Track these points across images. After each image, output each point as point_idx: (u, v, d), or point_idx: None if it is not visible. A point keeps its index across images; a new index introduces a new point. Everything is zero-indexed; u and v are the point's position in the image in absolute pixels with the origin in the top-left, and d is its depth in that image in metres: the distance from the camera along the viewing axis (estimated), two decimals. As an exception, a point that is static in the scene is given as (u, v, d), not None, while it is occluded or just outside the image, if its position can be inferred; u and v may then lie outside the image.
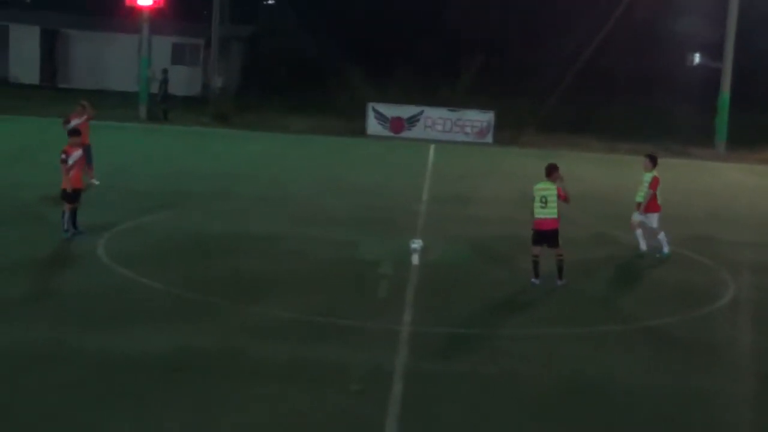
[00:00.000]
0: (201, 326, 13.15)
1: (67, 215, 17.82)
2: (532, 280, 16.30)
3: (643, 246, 19.08)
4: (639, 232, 19.19)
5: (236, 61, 54.20)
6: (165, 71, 43.90)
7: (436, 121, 41.43)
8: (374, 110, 41.53)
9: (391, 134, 40.98)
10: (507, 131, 41.41)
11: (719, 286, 17.14)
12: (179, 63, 50.83)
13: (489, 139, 40.78)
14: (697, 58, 63.94)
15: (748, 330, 14.82)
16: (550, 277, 16.30)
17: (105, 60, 51.17)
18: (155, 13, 42.88)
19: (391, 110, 41.69)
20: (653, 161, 19.23)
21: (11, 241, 17.72)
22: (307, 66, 50.58)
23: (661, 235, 19.03)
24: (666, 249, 18.96)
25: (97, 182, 22.98)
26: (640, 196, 19.17)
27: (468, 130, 41.34)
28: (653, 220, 19.13)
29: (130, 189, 23.45)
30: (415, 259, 17.66)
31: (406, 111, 41.64)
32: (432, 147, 37.30)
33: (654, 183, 18.98)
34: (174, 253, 17.45)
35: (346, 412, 10.47)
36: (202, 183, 25.42)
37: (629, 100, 48.08)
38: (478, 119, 41.40)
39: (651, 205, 19.01)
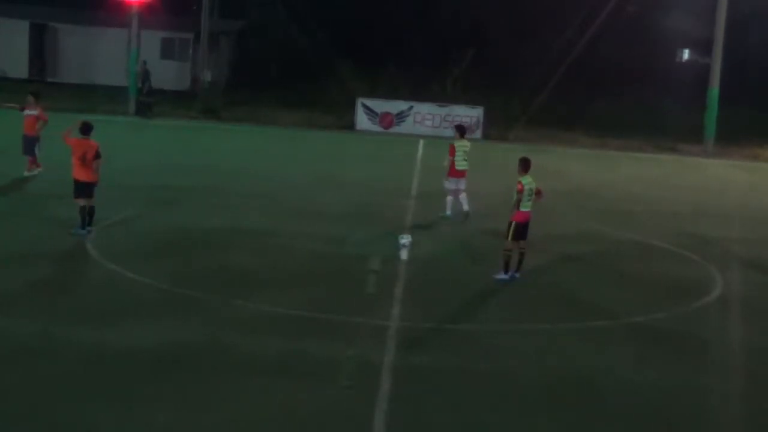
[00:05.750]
0: (189, 321, 13.14)
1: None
2: (513, 274, 16.22)
3: (448, 211, 21.34)
4: (449, 199, 21.37)
5: (225, 55, 54.07)
6: (144, 63, 43.02)
7: (425, 116, 41.43)
8: (363, 105, 41.51)
9: (381, 129, 40.98)
10: (496, 127, 41.42)
11: (707, 282, 17.18)
12: (168, 57, 50.65)
13: (478, 134, 40.75)
14: (686, 53, 64.03)
15: (736, 326, 14.88)
16: (534, 271, 16.33)
17: (94, 54, 50.94)
18: (144, 7, 42.76)
19: (380, 105, 41.68)
20: (460, 130, 22.09)
21: (-1, 235, 17.68)
22: (297, 60, 50.47)
23: (462, 196, 21.30)
24: (449, 212, 21.30)
25: (36, 173, 23.66)
26: (463, 165, 21.43)
27: (457, 125, 41.28)
28: (462, 183, 21.41)
29: (119, 184, 23.33)
30: (404, 254, 17.61)
31: (395, 106, 41.64)
32: (421, 142, 37.27)
33: (451, 150, 21.36)
34: (162, 248, 17.41)
35: (335, 407, 10.46)
36: (191, 178, 25.37)
37: (618, 96, 48.09)
38: (467, 115, 41.38)
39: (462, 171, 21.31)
